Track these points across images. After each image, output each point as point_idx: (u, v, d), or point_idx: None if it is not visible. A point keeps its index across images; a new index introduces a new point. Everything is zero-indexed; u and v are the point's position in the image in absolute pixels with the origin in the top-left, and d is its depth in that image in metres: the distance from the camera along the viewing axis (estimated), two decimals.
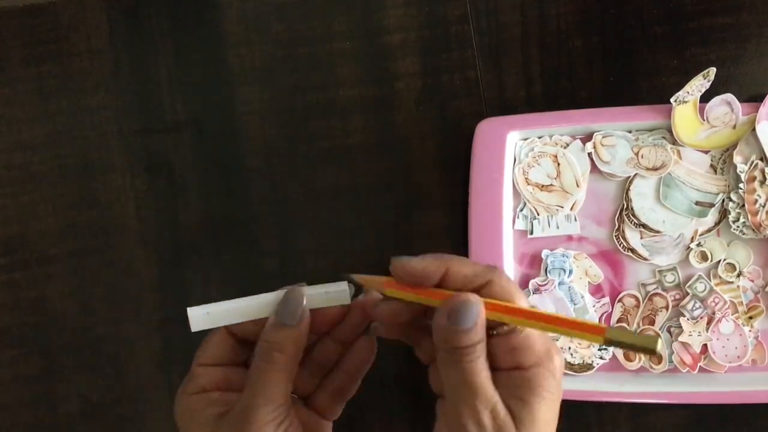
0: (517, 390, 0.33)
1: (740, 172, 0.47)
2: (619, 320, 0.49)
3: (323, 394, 0.39)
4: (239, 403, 0.34)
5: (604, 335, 0.31)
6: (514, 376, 0.33)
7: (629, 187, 0.49)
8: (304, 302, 0.35)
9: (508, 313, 0.33)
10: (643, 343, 0.30)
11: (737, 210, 0.48)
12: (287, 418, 0.34)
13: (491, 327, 0.33)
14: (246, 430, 0.33)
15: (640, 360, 0.48)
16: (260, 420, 0.33)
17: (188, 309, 0.36)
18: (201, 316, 0.36)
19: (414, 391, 0.51)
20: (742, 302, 0.48)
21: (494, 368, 0.33)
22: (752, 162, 0.47)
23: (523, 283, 0.50)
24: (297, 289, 0.35)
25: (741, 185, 0.47)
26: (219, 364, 0.37)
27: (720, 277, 0.48)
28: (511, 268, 0.49)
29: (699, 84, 0.48)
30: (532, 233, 0.49)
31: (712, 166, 0.48)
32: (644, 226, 0.49)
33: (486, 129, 0.49)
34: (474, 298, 0.33)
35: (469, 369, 0.33)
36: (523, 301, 0.34)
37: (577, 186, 0.49)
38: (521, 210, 0.50)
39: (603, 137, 0.49)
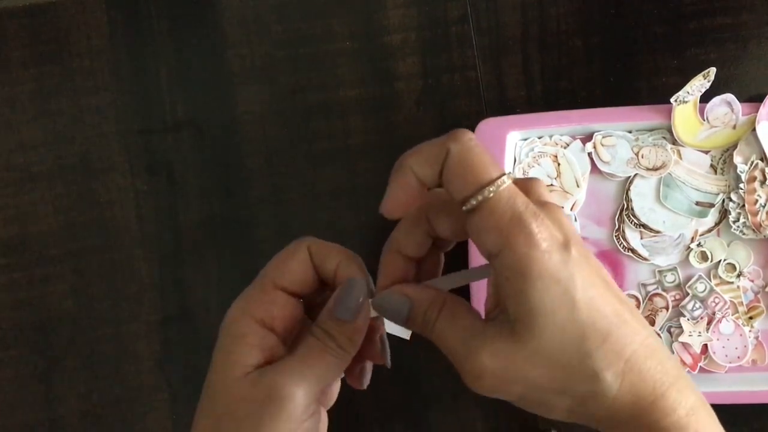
0: (502, 285, 0.28)
1: (740, 172, 0.47)
2: None
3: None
4: (277, 369, 0.32)
5: None
6: (494, 269, 0.28)
7: (629, 187, 0.49)
8: (363, 298, 0.32)
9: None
10: None
11: (737, 210, 0.47)
12: (318, 409, 0.33)
13: (463, 201, 0.28)
14: (283, 405, 0.31)
15: None
16: (299, 395, 0.31)
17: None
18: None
19: (413, 391, 0.51)
20: (742, 302, 0.48)
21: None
22: (752, 162, 0.47)
23: None
24: (359, 282, 0.32)
25: (741, 185, 0.47)
26: (293, 292, 0.33)
27: (720, 277, 0.48)
28: None
29: (699, 84, 0.48)
30: None
31: (712, 166, 0.48)
32: (644, 226, 0.49)
33: (486, 129, 0.49)
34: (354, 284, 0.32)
35: (434, 333, 0.31)
36: (480, 174, 0.28)
37: (577, 186, 0.49)
38: None
39: (603, 137, 0.49)
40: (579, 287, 0.27)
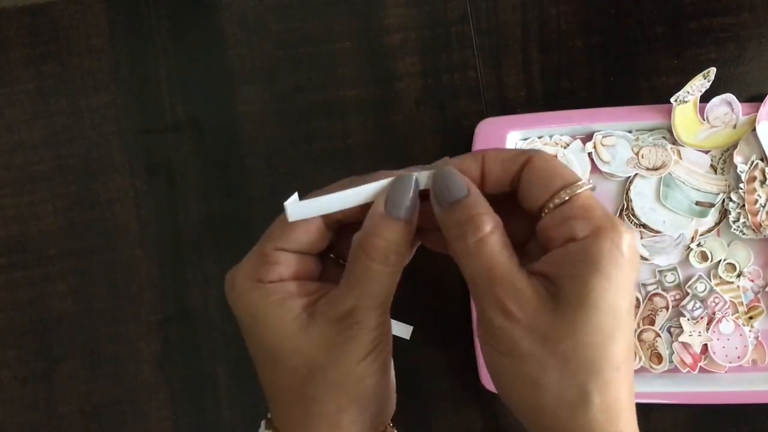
0: (569, 265, 0.28)
1: (740, 172, 0.47)
2: None
3: None
4: (339, 303, 0.30)
5: None
6: (567, 250, 0.29)
7: (629, 187, 0.49)
8: (416, 190, 0.31)
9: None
10: None
11: (737, 210, 0.47)
12: (388, 319, 0.32)
13: (544, 204, 0.30)
14: (353, 335, 0.30)
15: (640, 360, 0.48)
16: (369, 325, 0.30)
17: (285, 203, 0.31)
18: (300, 206, 0.31)
19: (413, 391, 0.51)
20: (742, 302, 0.48)
21: (548, 249, 0.30)
22: (752, 162, 0.47)
23: None
24: (408, 177, 0.31)
25: (741, 185, 0.47)
26: (301, 252, 0.32)
27: (720, 277, 0.48)
28: None
29: (699, 84, 0.48)
30: None
31: (712, 166, 0.48)
32: (644, 226, 0.49)
33: (486, 129, 0.49)
34: (446, 167, 0.30)
35: (477, 249, 0.29)
36: (568, 176, 0.30)
37: None
38: None
39: (603, 137, 0.49)
40: (626, 308, 0.28)
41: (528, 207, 0.31)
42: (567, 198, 0.29)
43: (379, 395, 0.32)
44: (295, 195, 0.31)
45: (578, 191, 0.30)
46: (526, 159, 0.31)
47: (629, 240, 0.28)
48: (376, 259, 0.30)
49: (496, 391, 0.48)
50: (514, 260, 0.30)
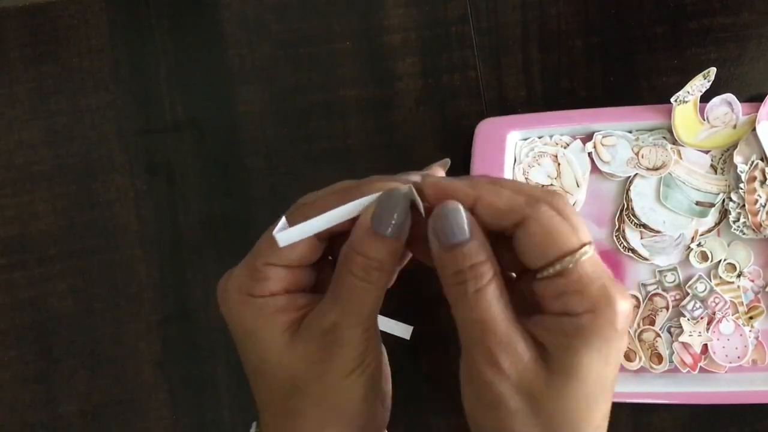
0: (562, 336, 0.28)
1: (740, 172, 0.47)
2: None
3: None
4: (323, 319, 0.30)
5: None
6: (562, 322, 0.28)
7: (629, 187, 0.49)
8: (406, 205, 0.29)
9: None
10: None
11: (737, 210, 0.47)
12: (374, 334, 0.31)
13: (538, 269, 0.28)
14: (336, 351, 0.30)
15: (640, 360, 0.48)
16: (352, 341, 0.30)
17: (274, 233, 0.29)
18: (289, 232, 0.30)
19: (414, 392, 0.51)
20: (742, 302, 0.48)
21: (541, 312, 0.29)
22: (752, 162, 0.47)
23: None
24: (397, 192, 0.29)
25: (741, 185, 0.47)
26: (291, 266, 0.31)
27: (720, 277, 0.48)
28: None
29: (699, 84, 0.48)
30: None
31: (712, 166, 0.48)
32: (644, 226, 0.49)
33: (486, 129, 0.49)
34: (453, 204, 0.28)
35: (475, 300, 0.28)
36: (565, 243, 0.28)
37: (578, 186, 0.49)
38: None
39: (603, 137, 0.49)
40: (612, 376, 0.29)
41: (523, 263, 0.29)
42: (563, 268, 0.28)
43: (367, 409, 0.32)
44: (283, 219, 0.30)
45: (574, 261, 0.28)
46: (521, 218, 0.28)
47: (625, 313, 0.28)
48: (358, 276, 0.29)
49: None
50: (509, 312, 0.28)
